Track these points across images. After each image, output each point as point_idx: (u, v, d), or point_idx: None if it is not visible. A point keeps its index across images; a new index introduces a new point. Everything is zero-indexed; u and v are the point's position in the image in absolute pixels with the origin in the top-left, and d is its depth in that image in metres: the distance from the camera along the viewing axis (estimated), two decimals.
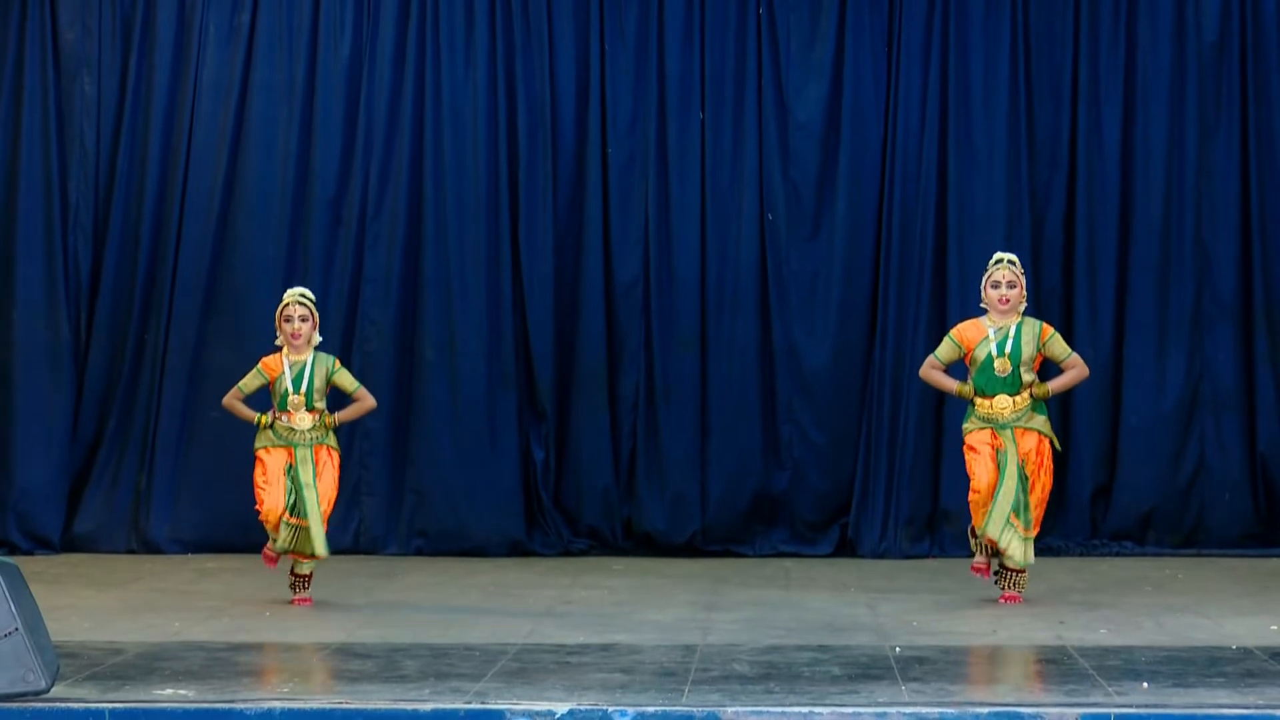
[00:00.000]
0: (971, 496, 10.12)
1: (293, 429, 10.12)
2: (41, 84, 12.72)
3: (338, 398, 10.47)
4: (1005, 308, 10.09)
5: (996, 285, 10.10)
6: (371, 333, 12.62)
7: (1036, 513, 10.10)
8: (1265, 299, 12.57)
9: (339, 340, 12.33)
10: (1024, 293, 10.16)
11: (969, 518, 10.25)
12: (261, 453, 10.18)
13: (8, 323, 12.69)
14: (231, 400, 10.35)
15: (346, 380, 10.36)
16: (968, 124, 12.65)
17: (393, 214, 12.73)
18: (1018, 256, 10.43)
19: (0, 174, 12.77)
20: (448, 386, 12.66)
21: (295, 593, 10.26)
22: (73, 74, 12.76)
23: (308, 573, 10.27)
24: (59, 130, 12.73)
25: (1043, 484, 10.15)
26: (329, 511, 10.19)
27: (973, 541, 10.25)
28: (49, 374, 12.67)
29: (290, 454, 10.10)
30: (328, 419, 10.21)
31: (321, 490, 10.09)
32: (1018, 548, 9.97)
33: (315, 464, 10.12)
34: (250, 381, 10.27)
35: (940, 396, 12.23)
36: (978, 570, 10.24)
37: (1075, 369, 10.29)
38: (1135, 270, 12.63)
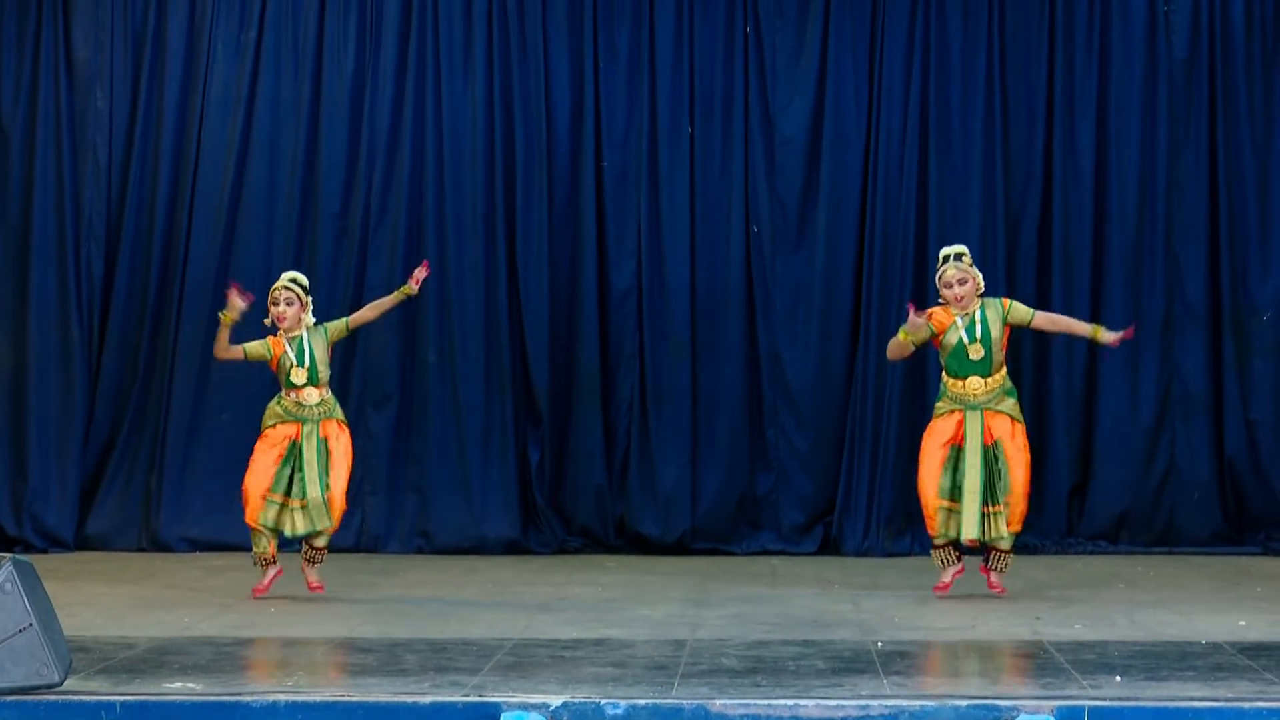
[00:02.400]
0: (923, 495, 10.22)
1: (300, 404, 10.19)
2: (56, 99, 12.74)
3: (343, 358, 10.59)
4: (961, 304, 10.18)
5: (949, 286, 10.18)
6: (374, 339, 12.61)
7: (1022, 490, 10.14)
8: (1233, 307, 12.61)
9: (342, 346, 12.06)
10: (977, 282, 10.22)
11: None
12: (265, 435, 10.23)
13: (23, 329, 12.71)
14: (221, 336, 10.19)
15: (339, 324, 10.41)
16: (946, 138, 12.70)
17: (394, 225, 12.75)
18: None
19: (16, 185, 12.78)
20: (448, 390, 12.70)
21: (307, 573, 10.25)
22: (86, 89, 12.78)
23: (321, 545, 10.26)
24: (73, 143, 12.76)
25: (1024, 462, 10.18)
26: (346, 484, 10.23)
27: (936, 555, 10.29)
28: (63, 378, 12.69)
29: (298, 430, 10.18)
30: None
31: (335, 463, 10.14)
32: (1004, 529, 10.06)
33: (326, 441, 10.16)
34: (253, 347, 10.28)
35: (920, 401, 12.32)
36: (941, 590, 10.26)
37: (1055, 315, 10.62)
38: (1108, 278, 12.67)
